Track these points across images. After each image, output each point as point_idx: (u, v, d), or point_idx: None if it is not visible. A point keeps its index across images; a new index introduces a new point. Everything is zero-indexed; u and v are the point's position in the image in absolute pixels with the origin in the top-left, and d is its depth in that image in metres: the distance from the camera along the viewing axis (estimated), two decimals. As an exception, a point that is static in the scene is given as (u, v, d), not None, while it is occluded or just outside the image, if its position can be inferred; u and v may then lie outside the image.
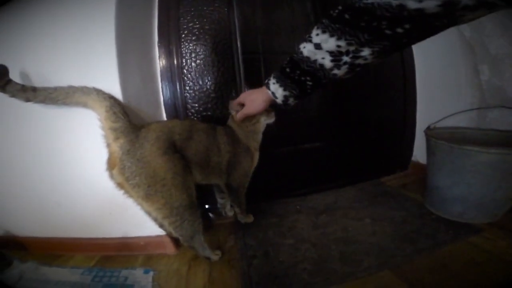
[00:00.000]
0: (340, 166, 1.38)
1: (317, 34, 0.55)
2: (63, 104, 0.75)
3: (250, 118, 0.92)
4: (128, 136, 0.74)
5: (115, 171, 0.74)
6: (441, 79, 1.29)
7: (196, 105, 1.12)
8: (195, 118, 1.12)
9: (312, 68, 0.60)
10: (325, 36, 0.54)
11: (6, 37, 0.82)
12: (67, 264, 0.90)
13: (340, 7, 0.51)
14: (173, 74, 1.07)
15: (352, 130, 1.39)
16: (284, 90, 0.69)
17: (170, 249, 0.93)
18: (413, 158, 1.47)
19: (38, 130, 0.84)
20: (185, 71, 1.09)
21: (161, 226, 0.86)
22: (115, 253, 0.93)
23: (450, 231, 0.91)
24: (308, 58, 0.59)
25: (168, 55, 1.07)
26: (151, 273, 0.83)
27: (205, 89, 1.12)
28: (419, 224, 0.97)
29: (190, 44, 1.09)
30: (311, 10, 1.23)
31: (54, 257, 0.94)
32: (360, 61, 0.54)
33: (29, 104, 0.73)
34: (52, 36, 0.80)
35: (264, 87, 0.76)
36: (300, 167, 1.30)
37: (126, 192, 0.76)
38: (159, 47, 1.06)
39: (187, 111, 1.11)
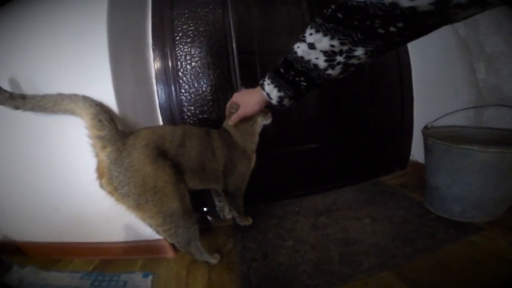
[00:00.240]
0: (338, 166, 1.37)
1: (311, 34, 0.55)
2: (52, 112, 0.74)
3: (247, 119, 0.90)
4: (115, 144, 0.72)
5: (103, 181, 0.72)
6: (438, 78, 1.29)
7: (192, 108, 1.11)
8: (191, 122, 1.12)
9: (306, 69, 0.59)
10: (319, 35, 0.53)
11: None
12: (66, 268, 0.90)
13: (333, 6, 0.50)
14: (168, 77, 1.07)
15: (349, 131, 1.38)
16: (279, 91, 0.68)
17: (169, 253, 0.92)
18: (411, 157, 1.47)
19: (36, 135, 0.84)
20: (180, 74, 1.09)
21: (157, 232, 0.85)
22: (114, 257, 0.93)
23: (450, 231, 0.90)
24: (302, 58, 0.58)
25: (163, 57, 1.06)
26: (150, 277, 0.82)
27: (201, 91, 1.11)
28: (418, 224, 0.96)
29: (185, 46, 1.09)
30: (307, 10, 1.23)
31: (53, 261, 0.93)
32: (354, 61, 0.53)
33: (24, 110, 0.73)
34: (42, 39, 0.79)
35: (258, 88, 0.75)
36: (299, 168, 1.30)
37: (117, 201, 0.74)
38: (153, 49, 1.05)
39: (183, 114, 1.10)
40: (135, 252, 0.93)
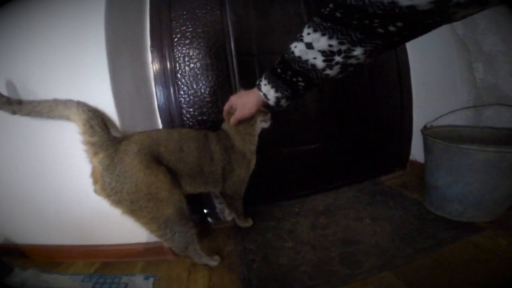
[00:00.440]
0: (338, 166, 1.37)
1: (309, 33, 0.54)
2: (48, 118, 0.74)
3: (247, 120, 0.89)
4: (107, 150, 0.71)
5: (97, 187, 0.72)
6: (436, 78, 1.28)
7: (191, 109, 1.11)
8: (190, 123, 1.11)
9: (304, 69, 0.58)
10: (317, 35, 0.52)
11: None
12: (67, 271, 0.90)
13: (331, 5, 0.49)
14: (167, 79, 1.07)
15: (349, 131, 1.38)
16: (276, 91, 0.67)
17: (170, 255, 0.92)
18: (411, 157, 1.47)
19: (36, 139, 0.84)
20: (179, 75, 1.09)
21: (155, 236, 0.85)
22: (115, 260, 0.93)
23: (450, 230, 0.90)
24: (299, 58, 0.57)
25: (161, 59, 1.06)
26: (151, 279, 0.82)
27: (199, 93, 1.11)
28: (419, 224, 0.96)
29: (184, 48, 1.09)
30: (304, 10, 1.23)
31: (55, 264, 0.93)
32: (352, 60, 0.53)
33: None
34: (39, 42, 0.79)
35: (255, 89, 0.74)
36: (298, 169, 1.30)
37: (112, 206, 0.74)
38: (151, 51, 1.05)
39: (182, 116, 1.10)
40: (136, 255, 0.93)
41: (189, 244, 0.81)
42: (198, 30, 1.10)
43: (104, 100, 0.78)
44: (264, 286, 0.76)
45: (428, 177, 1.05)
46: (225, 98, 0.88)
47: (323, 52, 0.53)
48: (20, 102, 0.72)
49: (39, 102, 0.73)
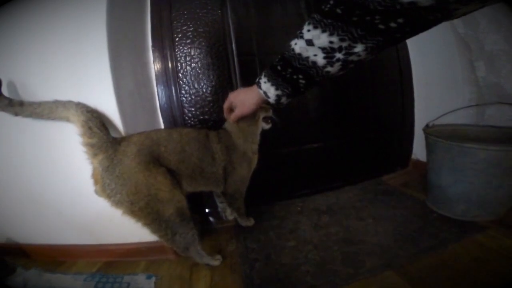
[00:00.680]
0: (340, 166, 1.37)
1: (309, 30, 0.53)
2: (49, 119, 0.75)
3: (249, 117, 0.88)
4: (107, 151, 0.72)
5: (98, 188, 0.73)
6: (438, 77, 1.28)
7: (193, 109, 1.11)
8: (192, 123, 1.11)
9: (305, 66, 0.57)
10: (317, 31, 0.52)
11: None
12: (70, 270, 0.90)
13: (331, 1, 0.49)
14: (169, 78, 1.07)
15: (351, 130, 1.38)
16: (276, 89, 0.66)
17: (172, 254, 0.92)
18: (413, 156, 1.47)
19: (39, 139, 0.84)
20: (180, 75, 1.09)
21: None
22: (117, 259, 0.93)
23: (453, 230, 0.90)
24: (300, 55, 0.57)
25: (163, 58, 1.06)
26: (154, 279, 0.82)
27: (201, 92, 1.11)
28: (421, 223, 0.96)
29: (185, 48, 1.09)
30: (305, 9, 1.23)
31: (57, 263, 0.94)
32: (353, 57, 0.52)
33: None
34: (41, 42, 0.79)
35: (255, 86, 0.73)
36: (300, 168, 1.30)
37: (113, 206, 0.74)
38: (153, 50, 1.05)
39: (184, 116, 1.10)
40: (138, 254, 0.93)
41: (190, 245, 0.81)
42: (199, 30, 1.10)
43: (106, 100, 0.79)
44: (267, 285, 0.75)
45: (431, 176, 1.05)
46: (226, 97, 0.88)
47: (323, 49, 0.53)
48: (21, 103, 0.73)
49: (40, 104, 0.74)
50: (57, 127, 0.80)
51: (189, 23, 1.09)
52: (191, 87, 1.10)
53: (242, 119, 0.87)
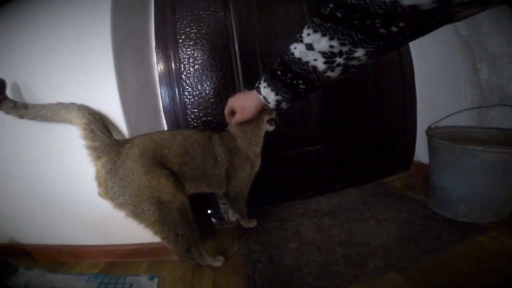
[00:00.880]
0: (342, 168, 1.37)
1: (308, 34, 0.52)
2: (52, 121, 0.75)
3: (253, 120, 0.86)
4: (109, 154, 0.72)
5: (101, 190, 0.73)
6: (440, 79, 1.28)
7: (196, 110, 1.11)
8: (195, 124, 1.12)
9: (305, 71, 0.56)
10: (317, 35, 0.51)
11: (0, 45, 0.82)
12: (72, 271, 0.91)
13: (331, 5, 0.48)
14: (172, 80, 1.07)
15: (353, 132, 1.38)
16: (276, 94, 0.65)
17: (175, 255, 0.92)
18: (415, 158, 1.46)
19: (43, 140, 0.85)
20: (183, 77, 1.09)
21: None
22: (120, 260, 0.93)
23: (455, 231, 0.90)
24: (299, 59, 0.56)
25: (166, 60, 1.06)
26: (156, 280, 0.83)
27: (204, 94, 1.11)
28: (424, 225, 0.96)
29: (188, 49, 1.09)
30: (307, 11, 1.24)
31: (59, 264, 0.94)
32: (354, 62, 0.51)
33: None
34: (46, 44, 0.80)
35: (254, 91, 0.72)
36: (302, 170, 1.30)
37: (115, 209, 0.75)
38: (156, 52, 1.06)
39: (187, 117, 1.10)
40: (140, 255, 0.93)
41: (191, 247, 0.81)
42: (202, 31, 1.10)
43: (110, 101, 0.79)
44: (269, 286, 0.75)
45: (433, 178, 1.05)
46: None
47: (324, 54, 0.52)
48: (25, 106, 0.74)
49: (43, 106, 0.74)
50: (61, 127, 0.80)
51: (192, 24, 1.10)
52: (194, 89, 1.10)
53: (245, 122, 0.86)
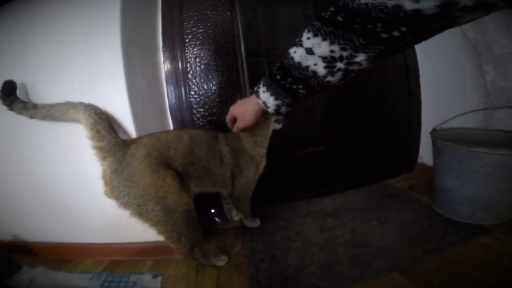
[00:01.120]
0: (346, 168, 1.37)
1: (308, 38, 0.51)
2: (61, 121, 0.76)
3: (262, 119, 0.86)
4: (115, 154, 0.72)
5: (107, 189, 0.74)
6: (446, 80, 1.28)
7: (202, 109, 1.12)
8: (201, 123, 1.12)
9: (305, 76, 0.55)
10: (317, 40, 0.49)
11: (9, 44, 0.83)
12: (76, 269, 0.91)
13: (332, 8, 0.47)
14: (178, 79, 1.08)
15: (357, 133, 1.38)
16: (276, 99, 0.64)
17: (178, 254, 0.92)
18: (419, 160, 1.46)
19: (49, 138, 0.86)
20: (190, 76, 1.10)
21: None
22: (124, 258, 0.94)
23: (459, 233, 0.90)
24: (299, 64, 0.54)
25: (173, 59, 1.07)
26: (160, 278, 0.83)
27: (210, 93, 1.12)
28: (427, 226, 0.96)
29: (195, 49, 1.10)
30: (312, 11, 1.24)
31: (63, 262, 0.94)
32: (354, 67, 0.50)
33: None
34: (56, 44, 0.81)
35: (253, 96, 0.70)
36: (307, 170, 1.30)
37: (121, 208, 0.75)
38: (163, 51, 1.06)
39: (193, 116, 1.11)
40: (144, 253, 0.93)
41: (195, 247, 0.82)
42: (209, 31, 1.11)
43: (119, 100, 0.80)
44: (273, 286, 0.76)
45: (437, 179, 1.04)
46: (235, 98, 0.88)
47: (324, 58, 0.51)
48: (35, 106, 0.75)
49: (52, 106, 0.75)
50: (66, 126, 0.81)
51: (199, 24, 1.10)
52: (200, 88, 1.11)
53: (253, 125, 0.85)
